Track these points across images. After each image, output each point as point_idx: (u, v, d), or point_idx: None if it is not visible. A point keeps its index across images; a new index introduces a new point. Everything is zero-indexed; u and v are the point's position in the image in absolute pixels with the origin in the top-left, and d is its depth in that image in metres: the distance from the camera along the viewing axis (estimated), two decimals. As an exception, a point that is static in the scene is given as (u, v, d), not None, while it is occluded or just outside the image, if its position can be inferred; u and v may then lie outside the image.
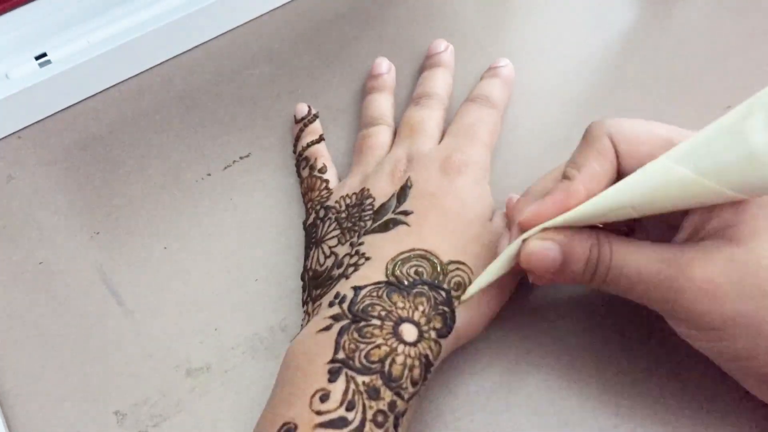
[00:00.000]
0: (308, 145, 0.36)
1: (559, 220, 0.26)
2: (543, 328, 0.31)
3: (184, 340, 0.32)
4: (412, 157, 0.33)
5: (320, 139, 0.37)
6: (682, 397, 0.29)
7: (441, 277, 0.28)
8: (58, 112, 0.40)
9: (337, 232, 0.32)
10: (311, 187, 0.35)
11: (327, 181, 0.35)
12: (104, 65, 0.39)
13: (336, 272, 0.30)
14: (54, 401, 0.31)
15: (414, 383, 0.26)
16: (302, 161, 0.36)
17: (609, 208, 0.25)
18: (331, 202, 0.33)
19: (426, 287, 0.28)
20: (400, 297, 0.27)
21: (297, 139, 0.37)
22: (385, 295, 0.27)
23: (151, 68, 0.41)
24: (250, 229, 0.35)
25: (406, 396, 0.26)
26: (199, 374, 0.31)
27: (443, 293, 0.28)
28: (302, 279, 0.32)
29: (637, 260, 0.25)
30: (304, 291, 0.32)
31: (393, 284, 0.28)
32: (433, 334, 0.27)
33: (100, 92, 0.40)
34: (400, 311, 0.27)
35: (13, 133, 0.39)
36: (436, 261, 0.29)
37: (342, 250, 0.31)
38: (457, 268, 0.29)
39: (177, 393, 0.31)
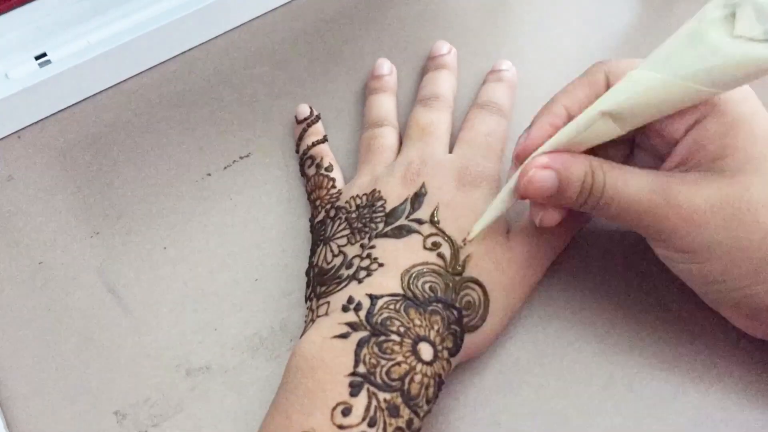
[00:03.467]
0: (313, 145, 0.36)
1: (550, 143, 0.27)
2: (543, 329, 0.31)
3: (184, 340, 0.32)
4: (425, 161, 0.32)
5: (324, 139, 0.37)
6: (683, 398, 0.29)
7: (453, 296, 0.28)
8: (58, 112, 0.40)
9: (347, 231, 0.31)
10: (318, 185, 0.35)
11: (334, 179, 0.35)
12: (104, 65, 0.39)
13: (345, 272, 0.30)
14: (54, 401, 0.31)
15: (428, 402, 0.26)
16: (307, 160, 0.36)
17: (591, 119, 0.26)
18: (341, 202, 0.33)
19: (440, 305, 0.28)
20: (417, 314, 0.27)
21: (300, 138, 0.37)
22: (402, 310, 0.27)
23: (151, 68, 0.41)
24: (250, 229, 0.35)
25: (421, 414, 0.26)
26: (199, 374, 0.32)
27: (455, 312, 0.28)
28: (307, 275, 0.32)
29: (627, 186, 0.26)
30: (308, 287, 0.32)
31: (410, 299, 0.28)
32: (445, 353, 0.27)
33: (100, 92, 0.40)
34: (417, 329, 0.27)
35: (13, 133, 0.39)
36: (449, 278, 0.29)
37: (351, 251, 0.31)
38: (468, 287, 0.29)
39: (177, 393, 0.31)
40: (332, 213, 0.33)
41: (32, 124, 0.39)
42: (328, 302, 0.29)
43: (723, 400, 0.29)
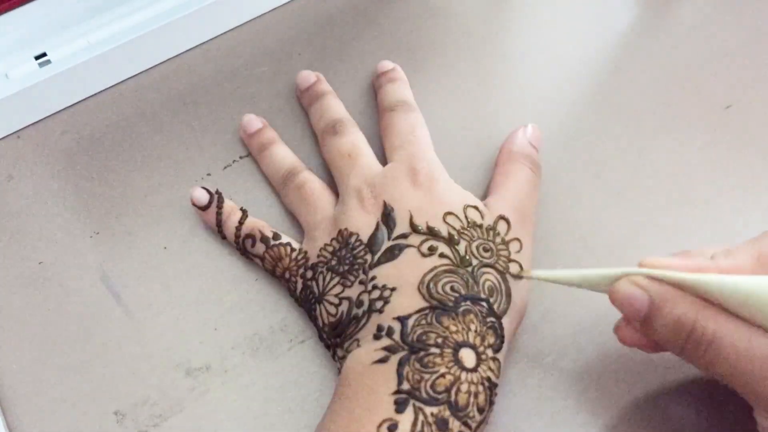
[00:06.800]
0: (241, 224, 0.33)
1: (671, 274, 0.23)
2: (543, 329, 0.31)
3: (183, 340, 0.32)
4: (372, 182, 0.32)
5: (243, 210, 0.34)
6: (684, 398, 0.29)
7: (476, 288, 0.28)
8: (58, 112, 0.40)
9: (337, 279, 0.30)
10: (278, 257, 0.32)
11: (289, 244, 0.32)
12: (104, 65, 0.39)
13: (357, 311, 0.29)
14: (54, 401, 0.31)
15: (480, 410, 0.25)
16: (247, 240, 0.33)
17: (727, 294, 0.22)
18: (313, 260, 0.31)
19: (469, 303, 0.27)
20: (450, 320, 0.27)
21: (219, 225, 0.34)
22: (434, 321, 0.27)
23: (151, 68, 0.41)
24: (250, 229, 0.35)
25: (473, 425, 0.25)
26: (199, 374, 0.32)
27: (485, 304, 0.28)
28: (321, 340, 0.31)
29: (749, 344, 0.22)
30: (329, 348, 0.30)
31: (438, 308, 0.27)
32: (489, 352, 0.27)
33: (100, 92, 0.40)
34: (455, 335, 0.26)
35: (13, 133, 0.39)
36: (463, 271, 0.28)
37: (354, 292, 0.29)
38: (484, 272, 0.29)
39: (177, 393, 0.31)
40: (308, 275, 0.31)
41: (32, 124, 0.39)
42: (357, 339, 0.28)
43: (725, 400, 0.29)
